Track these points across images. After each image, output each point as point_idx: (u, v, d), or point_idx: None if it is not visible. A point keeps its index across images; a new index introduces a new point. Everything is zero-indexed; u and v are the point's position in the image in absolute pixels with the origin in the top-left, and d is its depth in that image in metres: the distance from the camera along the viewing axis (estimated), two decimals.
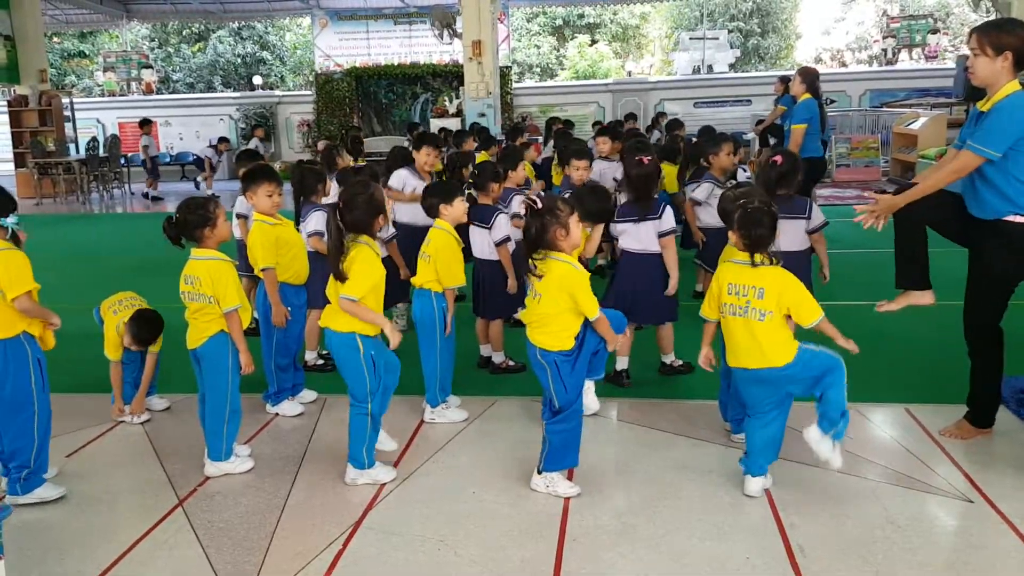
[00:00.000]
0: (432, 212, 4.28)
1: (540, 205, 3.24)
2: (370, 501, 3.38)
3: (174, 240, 3.61)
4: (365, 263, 3.36)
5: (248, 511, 3.34)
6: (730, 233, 3.34)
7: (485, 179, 4.85)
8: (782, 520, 3.13)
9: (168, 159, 16.47)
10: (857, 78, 19.29)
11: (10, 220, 3.34)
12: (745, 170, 6.64)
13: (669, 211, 4.52)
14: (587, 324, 3.31)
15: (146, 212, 14.06)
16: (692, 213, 5.84)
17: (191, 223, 3.56)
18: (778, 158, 4.43)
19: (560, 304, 3.25)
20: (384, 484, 3.52)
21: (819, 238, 4.57)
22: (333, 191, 5.30)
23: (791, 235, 4.30)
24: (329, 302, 3.49)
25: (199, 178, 16.24)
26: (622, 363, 4.66)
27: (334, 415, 4.30)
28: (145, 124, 15.90)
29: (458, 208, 4.25)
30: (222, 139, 16.78)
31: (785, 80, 11.23)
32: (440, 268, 4.11)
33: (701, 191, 5.76)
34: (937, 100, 16.41)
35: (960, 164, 3.47)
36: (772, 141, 10.72)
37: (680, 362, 4.80)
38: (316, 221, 4.67)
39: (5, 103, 17.37)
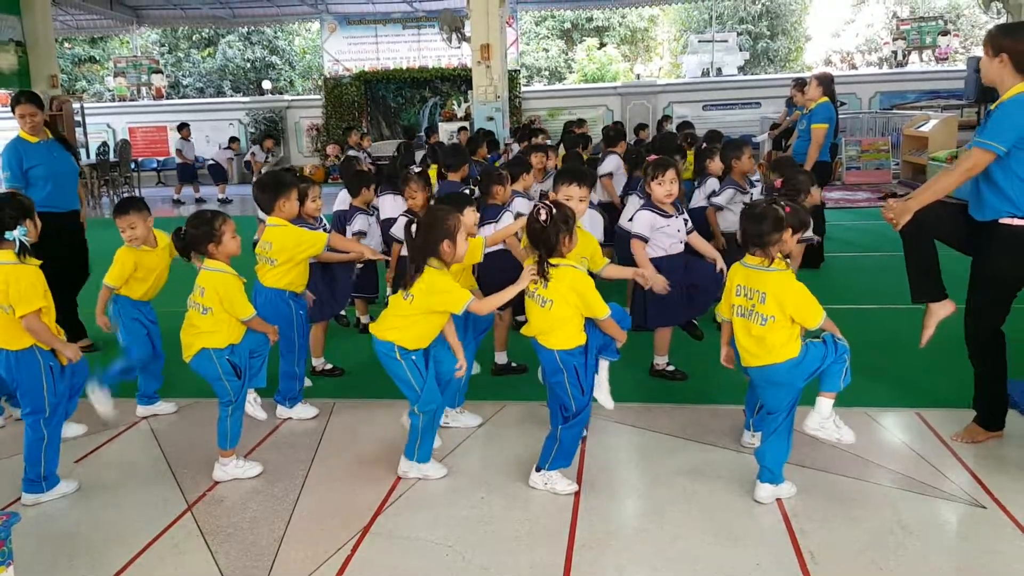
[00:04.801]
0: None
1: (554, 211, 3.26)
2: (379, 506, 3.37)
3: (182, 252, 3.71)
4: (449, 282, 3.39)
5: (257, 516, 3.34)
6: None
7: (489, 183, 4.88)
8: (793, 526, 3.11)
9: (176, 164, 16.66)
10: (867, 80, 19.22)
11: (17, 232, 3.28)
12: (754, 174, 6.59)
13: (640, 215, 4.53)
14: (588, 321, 3.35)
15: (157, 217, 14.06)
16: (715, 218, 5.73)
17: (196, 239, 3.61)
18: (778, 182, 4.38)
19: (570, 308, 3.29)
20: (435, 479, 3.57)
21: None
22: (344, 197, 5.74)
23: None
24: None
25: (219, 192, 16.05)
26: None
27: (343, 419, 4.30)
28: (183, 128, 16.08)
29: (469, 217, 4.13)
30: (233, 139, 16.86)
31: (801, 82, 11.17)
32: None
33: (723, 196, 5.70)
34: (948, 102, 16.36)
35: (971, 162, 3.46)
36: (785, 144, 10.69)
37: (672, 367, 4.79)
38: None
39: None
